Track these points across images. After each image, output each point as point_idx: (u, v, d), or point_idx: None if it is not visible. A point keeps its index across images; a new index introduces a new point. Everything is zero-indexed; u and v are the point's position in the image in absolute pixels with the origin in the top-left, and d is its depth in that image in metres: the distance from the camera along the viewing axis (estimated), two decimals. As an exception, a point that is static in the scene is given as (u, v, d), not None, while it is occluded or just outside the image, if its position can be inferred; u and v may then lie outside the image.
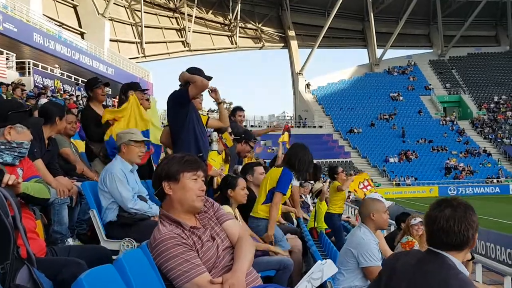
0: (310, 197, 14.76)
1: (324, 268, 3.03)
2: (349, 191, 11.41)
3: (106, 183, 4.95)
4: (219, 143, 6.91)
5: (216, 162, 6.78)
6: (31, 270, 2.63)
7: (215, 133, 6.68)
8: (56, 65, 31.88)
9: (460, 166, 56.16)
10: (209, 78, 5.82)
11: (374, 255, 4.79)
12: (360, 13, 74.53)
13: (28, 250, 2.73)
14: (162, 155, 7.45)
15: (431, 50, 78.46)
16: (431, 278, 2.62)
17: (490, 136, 62.88)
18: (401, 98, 69.06)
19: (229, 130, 7.18)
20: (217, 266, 3.05)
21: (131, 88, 7.08)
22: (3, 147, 3.22)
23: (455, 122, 65.54)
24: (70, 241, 4.88)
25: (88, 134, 6.97)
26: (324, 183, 13.54)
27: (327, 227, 10.84)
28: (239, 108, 9.06)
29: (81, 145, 7.42)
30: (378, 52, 74.49)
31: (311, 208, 13.11)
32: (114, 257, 3.37)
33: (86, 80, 7.87)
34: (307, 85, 70.59)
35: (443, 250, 2.71)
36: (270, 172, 6.07)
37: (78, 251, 3.50)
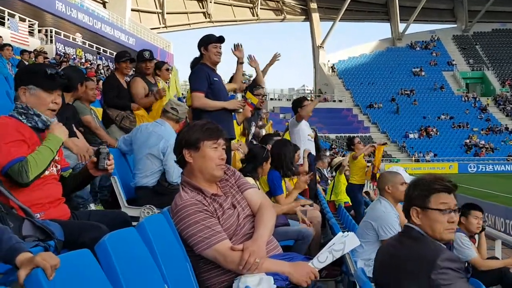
0: (328, 170, 14.78)
1: (346, 241, 3.02)
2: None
3: (167, 151, 4.97)
4: (246, 106, 6.78)
5: (235, 134, 6.75)
6: (34, 222, 2.67)
7: (239, 95, 6.59)
8: (78, 34, 31.94)
9: (481, 143, 55.59)
10: (222, 40, 5.88)
11: (394, 228, 4.78)
12: (384, -14, 73.44)
13: (22, 206, 2.78)
14: None
15: (455, 25, 77.07)
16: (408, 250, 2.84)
17: (512, 114, 62.09)
18: (423, 73, 68.25)
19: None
20: (238, 234, 3.05)
21: (139, 58, 7.21)
22: (22, 110, 3.17)
23: (477, 99, 64.71)
24: (93, 206, 4.92)
25: (106, 99, 7.09)
26: (343, 157, 13.53)
27: (346, 200, 10.87)
28: (256, 87, 7.94)
29: (101, 113, 7.47)
30: (401, 26, 73.48)
31: (329, 181, 13.13)
32: (134, 223, 3.39)
33: (107, 49, 8.12)
34: (332, 68, 69.55)
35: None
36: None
37: (99, 215, 3.53)
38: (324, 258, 2.95)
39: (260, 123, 7.95)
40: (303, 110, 7.87)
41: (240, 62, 6.56)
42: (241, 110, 6.23)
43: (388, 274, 2.83)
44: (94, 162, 3.38)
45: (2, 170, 2.96)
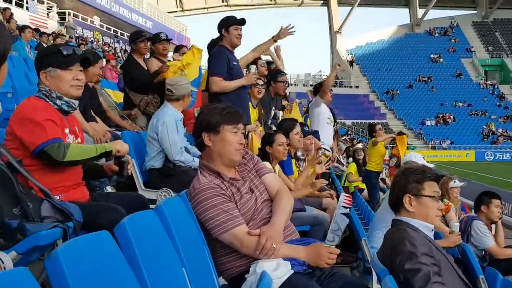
0: (344, 157, 14.78)
1: (338, 221, 3.48)
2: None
3: (158, 130, 4.98)
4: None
5: (251, 117, 6.71)
6: (53, 203, 2.68)
7: (253, 67, 6.55)
8: (96, 17, 32.03)
9: (499, 131, 55.06)
10: (244, 22, 5.83)
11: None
12: (403, -29, 72.56)
13: (40, 187, 2.79)
14: None
15: (475, 11, 75.97)
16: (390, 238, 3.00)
17: (531, 102, 61.28)
18: (441, 60, 67.56)
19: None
20: (255, 218, 3.04)
21: (156, 39, 7.19)
22: (46, 93, 3.16)
23: (496, 86, 63.97)
24: (109, 189, 4.94)
25: (126, 81, 7.07)
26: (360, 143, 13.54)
27: (356, 184, 11.02)
28: (280, 73, 7.86)
29: (119, 96, 7.47)
30: (420, 12, 72.64)
31: (345, 167, 13.15)
32: (151, 206, 3.41)
33: (124, 33, 8.05)
34: (351, 63, 68.62)
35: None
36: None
37: (117, 197, 3.54)
38: (331, 238, 3.14)
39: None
40: (324, 84, 8.09)
41: (274, 39, 6.49)
42: (256, 81, 6.22)
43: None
44: (115, 170, 3.44)
45: (35, 149, 2.97)
